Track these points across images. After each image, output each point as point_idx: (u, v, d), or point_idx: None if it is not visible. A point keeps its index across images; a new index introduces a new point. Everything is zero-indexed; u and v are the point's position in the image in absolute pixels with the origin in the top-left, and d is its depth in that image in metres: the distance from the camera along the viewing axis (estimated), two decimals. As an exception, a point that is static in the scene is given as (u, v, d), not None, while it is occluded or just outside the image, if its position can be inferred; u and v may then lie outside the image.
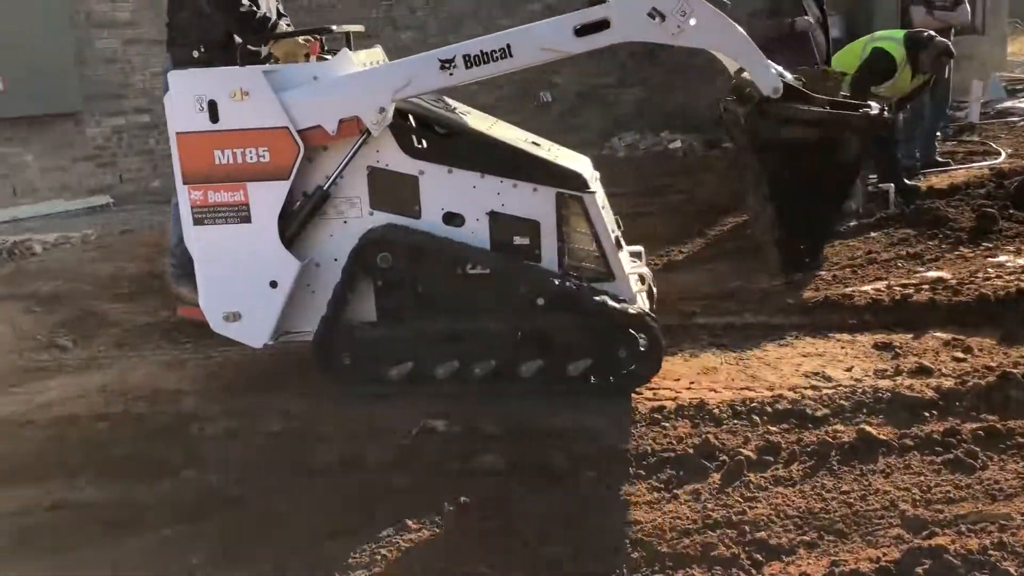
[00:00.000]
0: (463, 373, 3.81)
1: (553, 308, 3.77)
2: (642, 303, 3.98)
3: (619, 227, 4.29)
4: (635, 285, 4.03)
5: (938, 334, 4.26)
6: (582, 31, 3.70)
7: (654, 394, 3.80)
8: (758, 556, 2.62)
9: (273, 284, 3.83)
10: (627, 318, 3.74)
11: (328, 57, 4.09)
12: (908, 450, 3.17)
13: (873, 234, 6.19)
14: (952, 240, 5.82)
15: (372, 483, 3.20)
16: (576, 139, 7.39)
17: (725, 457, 3.20)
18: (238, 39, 4.02)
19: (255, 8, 4.04)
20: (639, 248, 4.47)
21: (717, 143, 10.45)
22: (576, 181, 3.91)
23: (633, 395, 3.79)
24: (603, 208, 4.02)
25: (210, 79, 3.75)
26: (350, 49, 3.96)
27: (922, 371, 3.81)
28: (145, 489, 3.26)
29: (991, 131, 9.70)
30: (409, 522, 2.90)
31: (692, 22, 3.66)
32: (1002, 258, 5.38)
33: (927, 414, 3.42)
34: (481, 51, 3.70)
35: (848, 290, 4.96)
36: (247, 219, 3.80)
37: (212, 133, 3.73)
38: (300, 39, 4.17)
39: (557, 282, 3.77)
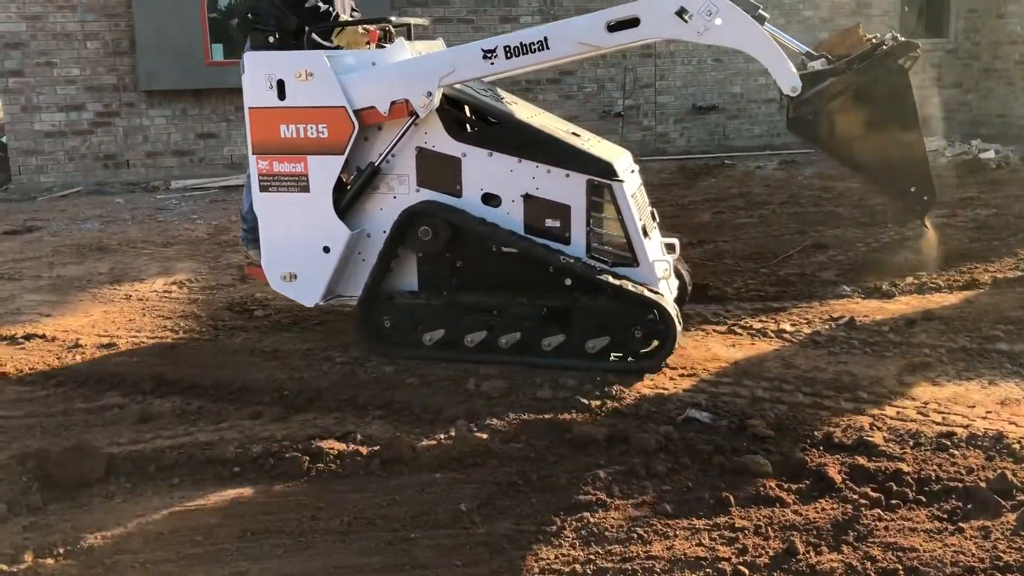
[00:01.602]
0: (489, 343, 4.12)
1: (576, 288, 4.05)
2: (667, 290, 4.21)
3: (655, 218, 4.53)
4: (661, 273, 4.19)
5: None
6: (614, 27, 3.92)
7: (943, 419, 3.51)
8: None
9: (326, 249, 4.22)
10: (644, 301, 3.98)
11: (386, 46, 4.45)
12: None
13: None
14: None
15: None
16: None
17: (1020, 497, 2.89)
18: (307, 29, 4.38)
19: (319, 4, 4.41)
20: (674, 240, 4.60)
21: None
22: (606, 169, 4.10)
23: (919, 416, 3.52)
24: (632, 197, 4.17)
25: (279, 60, 4.17)
26: (409, 39, 4.37)
27: None
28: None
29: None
30: (667, 506, 2.89)
31: (718, 22, 3.84)
32: None
33: None
34: (521, 43, 3.98)
35: None
36: (306, 188, 4.20)
37: (279, 109, 4.15)
38: (360, 28, 4.51)
39: (582, 264, 4.06)
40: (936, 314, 4.75)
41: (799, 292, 5.33)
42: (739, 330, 4.68)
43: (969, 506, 2.87)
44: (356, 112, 4.10)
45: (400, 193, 4.25)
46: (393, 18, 4.61)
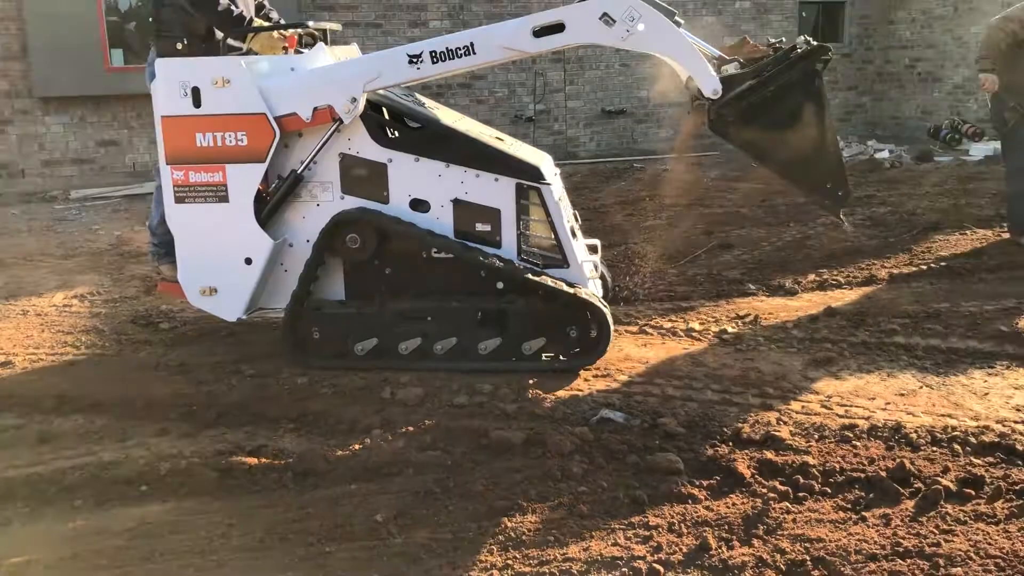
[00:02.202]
0: (424, 350, 4.10)
1: (511, 291, 4.07)
2: (595, 290, 4.28)
3: (577, 220, 4.63)
4: (589, 273, 4.29)
5: None
6: (540, 32, 3.95)
7: (845, 411, 3.64)
8: (950, 591, 2.46)
9: (248, 261, 4.11)
10: (578, 302, 4.04)
11: (304, 51, 4.35)
12: None
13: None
14: None
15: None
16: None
17: (921, 484, 3.01)
18: (219, 33, 4.31)
19: (232, 7, 4.26)
20: (595, 241, 4.73)
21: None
22: (534, 173, 4.16)
23: (824, 409, 3.64)
24: (560, 200, 4.26)
25: (194, 67, 4.05)
26: (326, 44, 4.29)
27: None
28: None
29: None
30: (583, 507, 2.92)
31: (640, 27, 3.91)
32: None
33: None
34: (447, 48, 3.97)
35: (1072, 322, 4.56)
36: (225, 199, 4.08)
37: (195, 117, 4.02)
38: (276, 34, 4.42)
39: (515, 267, 4.07)
40: (837, 310, 4.92)
41: (707, 291, 5.45)
42: (650, 330, 4.76)
43: (871, 495, 2.98)
44: (277, 119, 4.03)
45: (324, 201, 4.18)
46: (310, 23, 4.53)
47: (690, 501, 2.97)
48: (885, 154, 11.52)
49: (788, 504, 2.93)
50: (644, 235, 7.16)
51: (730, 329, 4.72)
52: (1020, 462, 3.15)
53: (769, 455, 3.23)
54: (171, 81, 4.04)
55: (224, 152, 4.05)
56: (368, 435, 3.48)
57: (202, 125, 4.04)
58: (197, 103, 4.01)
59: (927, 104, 13.63)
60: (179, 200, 4.13)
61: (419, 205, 4.18)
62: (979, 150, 11.29)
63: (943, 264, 5.83)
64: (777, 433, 3.40)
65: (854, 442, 3.34)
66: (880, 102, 14.47)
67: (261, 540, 2.79)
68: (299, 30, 4.51)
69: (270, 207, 4.13)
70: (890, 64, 14.24)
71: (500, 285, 4.09)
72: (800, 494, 2.98)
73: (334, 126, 4.06)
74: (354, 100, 4.01)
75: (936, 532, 2.74)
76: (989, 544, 2.67)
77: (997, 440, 3.29)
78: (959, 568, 2.55)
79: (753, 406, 3.73)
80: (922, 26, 13.66)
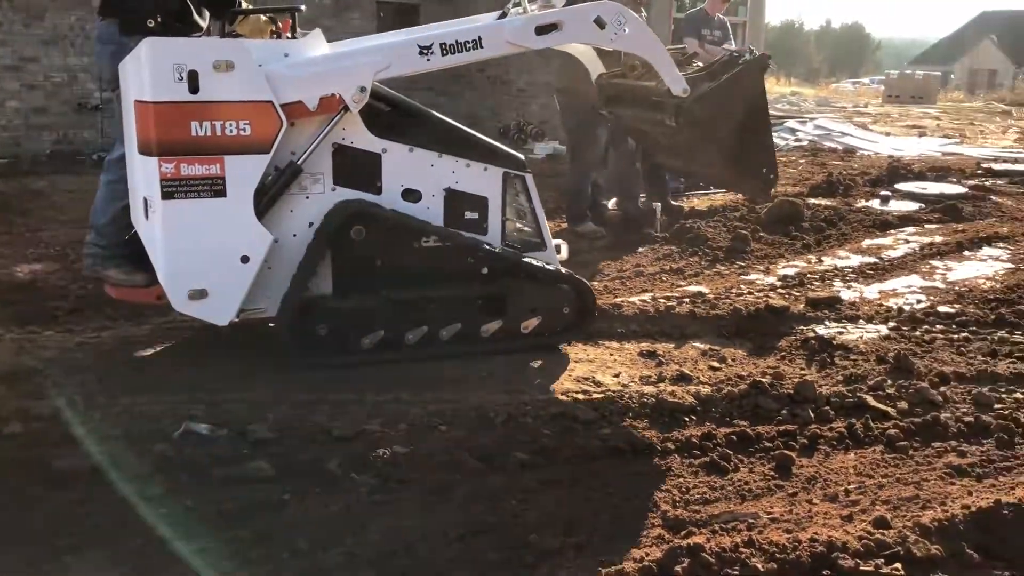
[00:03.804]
0: (431, 338, 4.12)
1: (506, 275, 4.27)
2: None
3: None
4: (563, 254, 4.70)
5: (697, 344, 4.55)
6: (541, 31, 4.17)
7: (435, 396, 3.77)
8: (528, 559, 2.64)
9: (244, 259, 3.80)
10: (568, 280, 4.43)
11: (289, 36, 4.14)
12: (669, 453, 3.34)
13: (641, 249, 6.54)
14: (710, 258, 6.26)
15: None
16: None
17: (501, 461, 3.22)
18: (199, 14, 4.10)
19: None
20: None
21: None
22: (520, 162, 4.42)
23: (414, 399, 3.75)
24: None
25: (192, 49, 3.68)
26: (295, 29, 4.11)
27: (683, 378, 4.04)
28: None
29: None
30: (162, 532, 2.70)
31: (626, 31, 4.30)
32: (753, 276, 5.84)
33: (687, 419, 3.62)
34: (456, 40, 4.04)
35: (617, 300, 5.19)
36: (222, 193, 3.73)
37: (190, 104, 3.63)
38: (263, 17, 4.20)
39: (509, 252, 4.31)
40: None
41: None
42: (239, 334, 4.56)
43: (457, 476, 3.11)
44: (282, 107, 3.72)
45: (314, 193, 3.97)
46: (303, 6, 4.20)
47: (278, 508, 2.88)
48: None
49: (380, 496, 2.97)
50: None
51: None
52: (580, 428, 3.50)
53: (361, 449, 3.25)
54: (161, 63, 3.57)
55: (224, 142, 3.67)
56: None
57: (199, 113, 3.63)
58: (194, 88, 3.59)
59: (497, 105, 14.76)
60: (167, 196, 3.66)
61: (410, 195, 4.15)
62: (542, 149, 12.49)
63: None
64: (368, 427, 3.43)
65: (440, 427, 3.47)
66: (455, 101, 15.39)
67: None
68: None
69: (267, 200, 3.82)
70: (464, 67, 15.19)
71: (496, 270, 4.23)
72: (391, 485, 3.04)
73: (338, 116, 3.87)
74: (363, 89, 3.88)
75: (515, 504, 2.94)
76: (558, 508, 2.92)
77: (562, 411, 3.62)
78: (534, 535, 2.75)
79: (347, 402, 3.72)
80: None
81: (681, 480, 3.15)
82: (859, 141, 14.49)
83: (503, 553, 2.66)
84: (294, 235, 3.97)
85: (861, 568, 2.52)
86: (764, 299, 5.22)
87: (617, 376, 4.07)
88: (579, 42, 4.69)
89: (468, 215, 4.30)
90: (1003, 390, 3.99)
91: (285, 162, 3.86)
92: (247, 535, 2.71)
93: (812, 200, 8.32)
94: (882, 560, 2.56)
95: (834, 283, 5.73)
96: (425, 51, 4.00)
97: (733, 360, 4.32)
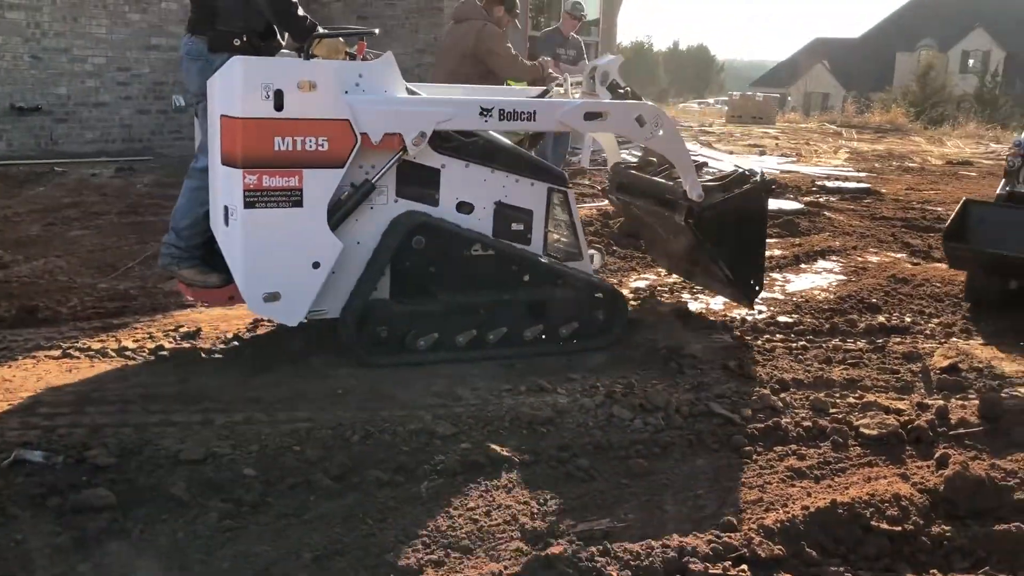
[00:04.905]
0: (480, 340, 4.39)
1: (550, 283, 4.61)
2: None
3: None
4: (597, 264, 5.17)
5: (553, 356, 4.61)
6: (588, 116, 4.62)
7: (288, 416, 3.67)
8: (386, 578, 2.61)
9: (316, 265, 4.06)
10: (602, 288, 4.81)
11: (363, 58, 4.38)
12: (528, 465, 3.37)
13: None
14: (567, 271, 6.35)
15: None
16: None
17: (358, 480, 3.16)
18: (280, 35, 4.35)
19: (303, 11, 4.26)
20: None
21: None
22: (563, 178, 4.80)
23: (267, 417, 3.63)
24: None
25: (279, 69, 3.92)
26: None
27: (540, 390, 4.09)
28: None
29: (598, 176, 10.83)
30: None
31: (660, 132, 4.75)
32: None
33: (544, 430, 3.67)
34: (515, 110, 4.39)
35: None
36: (299, 203, 3.96)
37: (275, 120, 3.85)
38: (340, 39, 4.38)
39: (553, 262, 4.68)
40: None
41: (141, 306, 5.13)
42: (76, 353, 4.31)
43: (312, 498, 3.05)
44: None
45: (378, 204, 4.26)
46: (376, 30, 4.57)
47: (124, 537, 2.73)
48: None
49: (231, 521, 2.86)
50: (67, 247, 6.50)
51: (167, 345, 4.48)
52: (439, 443, 3.48)
53: (209, 472, 3.12)
54: (252, 81, 3.82)
55: (303, 157, 3.93)
56: None
57: (282, 129, 3.86)
58: (279, 106, 3.83)
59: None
60: (249, 205, 3.89)
61: (463, 207, 4.45)
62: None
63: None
64: (217, 449, 3.30)
65: (295, 447, 3.38)
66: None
67: None
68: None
69: (342, 213, 4.10)
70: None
71: (543, 278, 4.59)
72: (243, 508, 2.93)
73: (399, 153, 4.17)
74: (423, 135, 4.17)
75: (372, 523, 2.90)
76: (417, 525, 2.90)
77: (421, 426, 3.60)
78: (391, 553, 2.72)
79: (194, 423, 3.57)
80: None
81: (539, 491, 3.18)
82: (704, 159, 15.13)
83: (360, 573, 2.62)
84: (358, 242, 4.22)
85: (710, 571, 2.62)
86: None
87: (476, 389, 4.08)
88: (619, 133, 5.22)
89: (515, 226, 4.62)
90: (837, 395, 4.25)
91: (355, 176, 4.14)
92: (86, 569, 2.56)
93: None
94: (730, 562, 2.66)
95: (682, 295, 5.94)
96: (485, 113, 4.32)
97: (588, 371, 4.41)
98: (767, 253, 5.77)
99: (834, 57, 58.72)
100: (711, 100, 53.93)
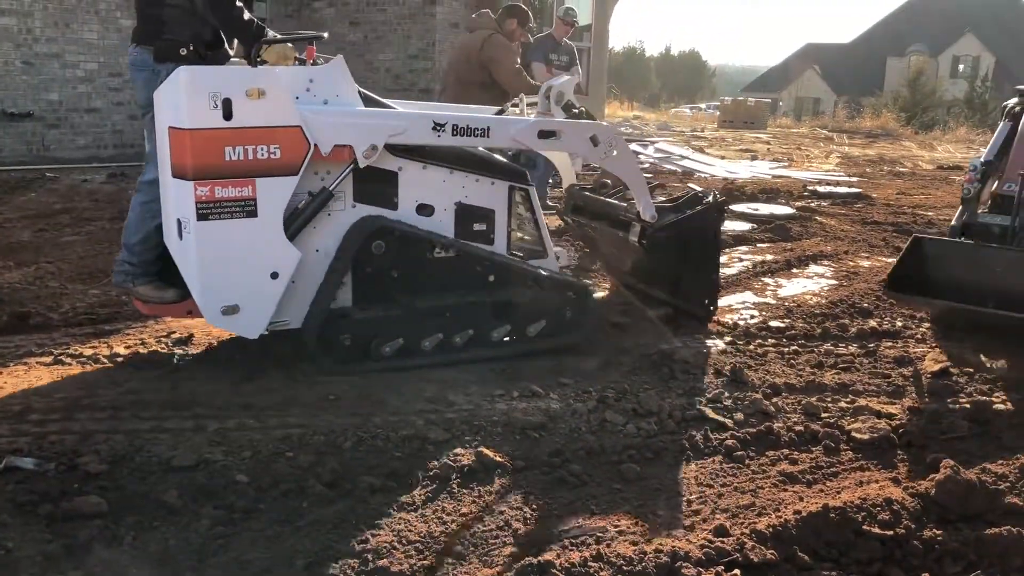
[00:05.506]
0: (446, 343, 4.34)
1: (515, 283, 4.55)
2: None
3: None
4: (564, 260, 5.09)
5: (545, 360, 4.61)
6: (542, 135, 4.57)
7: (280, 422, 3.66)
8: (380, 584, 2.61)
9: (274, 275, 3.98)
10: (569, 285, 4.75)
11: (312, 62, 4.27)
12: (521, 470, 3.37)
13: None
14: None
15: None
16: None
17: (350, 486, 3.16)
18: (229, 43, 4.26)
19: (253, 17, 4.17)
20: None
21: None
22: (523, 176, 4.71)
23: (258, 424, 3.62)
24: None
25: (227, 77, 3.81)
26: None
27: (533, 395, 4.09)
28: None
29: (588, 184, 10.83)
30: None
31: (615, 152, 4.77)
32: (599, 294, 5.99)
33: (537, 435, 3.67)
34: (467, 125, 4.32)
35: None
36: (253, 213, 3.87)
37: (224, 130, 3.76)
38: (289, 44, 4.36)
39: (517, 261, 4.63)
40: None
41: (133, 312, 5.10)
42: (67, 359, 4.29)
43: (304, 504, 3.04)
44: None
45: (335, 210, 4.17)
46: (325, 34, 4.40)
47: (116, 544, 2.72)
48: None
49: (223, 528, 2.85)
50: (59, 253, 6.48)
51: (160, 351, 4.47)
52: (432, 449, 3.48)
53: (201, 479, 3.12)
54: (199, 91, 3.70)
55: (255, 165, 3.83)
56: None
57: (232, 138, 3.76)
58: (228, 115, 3.72)
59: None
60: (203, 217, 3.78)
61: (423, 209, 4.39)
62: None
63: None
64: (210, 456, 3.29)
65: (287, 453, 3.38)
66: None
67: None
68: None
69: (300, 221, 4.02)
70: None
71: (505, 278, 4.51)
72: (235, 516, 2.92)
73: (350, 165, 4.08)
74: (374, 148, 4.09)
75: (364, 529, 2.89)
76: (410, 531, 2.90)
77: (413, 432, 3.60)
78: (385, 559, 2.71)
79: (186, 430, 3.57)
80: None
81: (532, 497, 3.19)
82: (697, 164, 15.19)
83: (353, 580, 2.61)
84: (317, 250, 4.16)
85: (703, 576, 2.62)
86: (607, 317, 5.35)
87: (468, 394, 4.08)
88: (573, 152, 5.17)
89: (477, 227, 4.56)
90: (829, 399, 4.26)
91: (312, 183, 4.06)
92: (76, 576, 2.55)
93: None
94: (722, 567, 2.67)
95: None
96: (438, 128, 4.25)
97: (581, 376, 4.41)
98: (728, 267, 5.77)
99: (825, 62, 58.97)
100: (703, 105, 54.05)
